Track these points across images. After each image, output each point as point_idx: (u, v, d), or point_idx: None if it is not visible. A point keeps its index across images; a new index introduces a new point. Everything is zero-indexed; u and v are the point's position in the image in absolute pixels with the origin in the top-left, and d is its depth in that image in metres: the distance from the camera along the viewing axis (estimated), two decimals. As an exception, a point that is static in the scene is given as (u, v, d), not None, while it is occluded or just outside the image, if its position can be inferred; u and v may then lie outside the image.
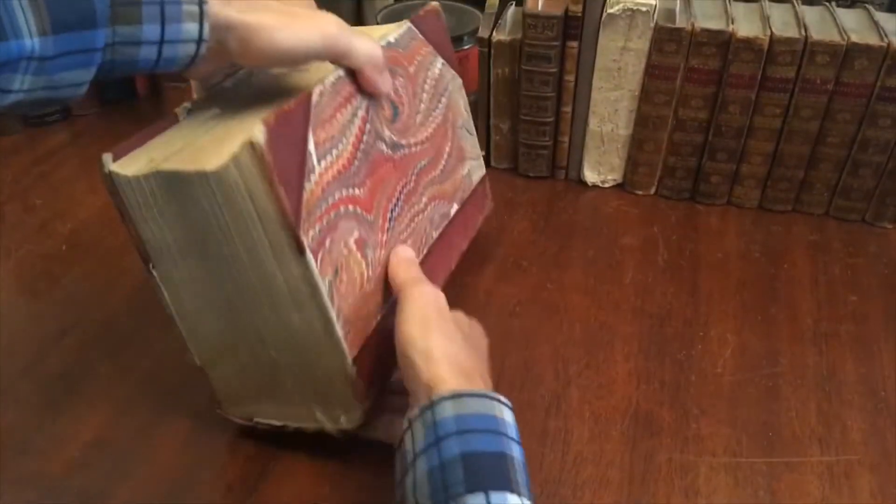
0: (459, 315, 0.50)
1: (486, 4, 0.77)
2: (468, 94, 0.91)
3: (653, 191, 0.77)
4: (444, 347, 0.44)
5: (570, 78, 0.72)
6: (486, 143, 0.80)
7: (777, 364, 0.57)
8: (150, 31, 0.39)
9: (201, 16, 0.40)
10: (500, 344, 0.59)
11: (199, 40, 0.41)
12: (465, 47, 0.88)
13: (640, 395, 0.55)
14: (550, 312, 0.62)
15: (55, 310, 0.63)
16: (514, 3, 0.80)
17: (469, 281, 0.65)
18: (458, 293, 0.64)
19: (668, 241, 0.70)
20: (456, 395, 0.41)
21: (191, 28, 0.40)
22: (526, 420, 0.52)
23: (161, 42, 0.40)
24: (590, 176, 0.78)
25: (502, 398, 0.42)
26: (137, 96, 0.94)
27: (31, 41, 0.35)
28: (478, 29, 0.88)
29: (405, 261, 0.50)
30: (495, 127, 0.78)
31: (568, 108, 0.74)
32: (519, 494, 0.38)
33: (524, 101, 0.74)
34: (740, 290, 0.65)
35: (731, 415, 0.53)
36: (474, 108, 0.78)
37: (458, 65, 0.88)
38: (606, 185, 0.78)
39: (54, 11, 0.36)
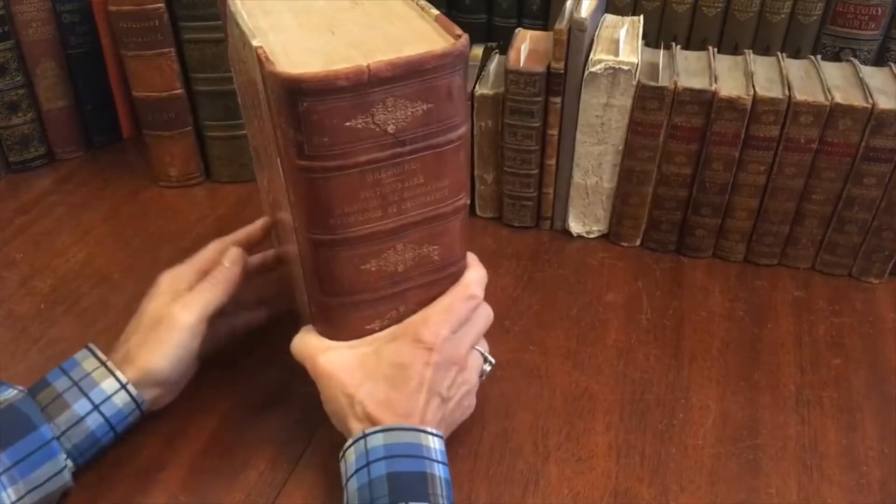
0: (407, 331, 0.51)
1: (469, 56, 0.76)
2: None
3: (638, 242, 0.76)
4: (370, 413, 0.48)
5: (554, 132, 0.72)
6: (471, 193, 0.79)
7: (758, 435, 0.57)
8: (82, 406, 0.50)
9: (111, 371, 0.52)
10: (480, 412, 0.58)
11: (123, 385, 0.52)
12: (451, 91, 0.87)
13: (619, 471, 0.54)
14: (531, 377, 0.62)
15: (31, 375, 0.62)
16: (497, 52, 0.79)
17: (450, 342, 0.65)
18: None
19: (653, 298, 0.70)
20: (387, 429, 0.47)
21: (110, 383, 0.51)
22: (503, 498, 0.52)
23: (96, 407, 0.51)
24: (575, 227, 0.77)
25: (431, 430, 0.48)
26: (123, 139, 0.94)
27: None
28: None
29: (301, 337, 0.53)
30: (480, 178, 0.78)
31: (552, 161, 0.74)
32: None
33: (508, 153, 0.74)
34: (724, 352, 0.64)
35: (710, 492, 0.53)
36: (459, 156, 0.78)
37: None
38: (591, 236, 0.77)
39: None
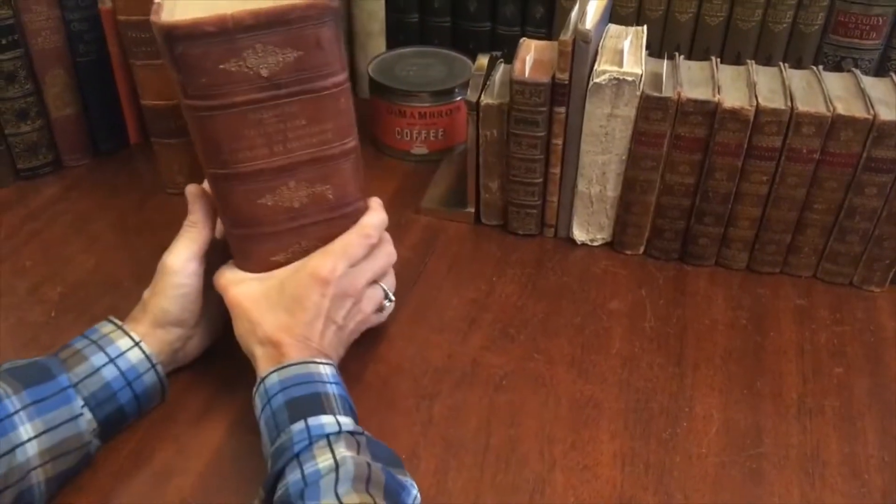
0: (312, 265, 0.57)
1: (475, 66, 0.77)
2: (457, 145, 0.92)
3: (641, 250, 0.77)
4: (271, 336, 0.55)
5: (558, 141, 0.73)
6: (476, 201, 0.80)
7: (761, 443, 0.58)
8: (98, 359, 0.55)
9: (125, 331, 0.57)
10: (486, 421, 0.59)
11: (137, 342, 0.57)
12: (456, 99, 0.88)
13: (624, 479, 0.55)
14: (537, 386, 0.62)
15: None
16: (502, 61, 0.80)
17: (456, 350, 0.66)
18: (445, 362, 0.64)
19: (656, 306, 0.71)
20: (279, 367, 0.53)
21: (124, 341, 0.56)
22: (509, 507, 0.53)
23: (112, 360, 0.55)
24: (579, 235, 0.78)
25: (320, 359, 0.54)
26: (129, 145, 0.94)
27: (10, 399, 0.50)
28: (469, 81, 0.89)
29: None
30: (485, 186, 0.78)
31: (556, 170, 0.74)
32: (334, 414, 0.50)
33: (513, 162, 0.75)
34: (727, 360, 0.65)
35: (714, 501, 0.54)
36: (464, 164, 0.79)
37: (449, 116, 0.89)
38: (595, 244, 0.78)
39: (21, 378, 0.52)
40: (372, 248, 0.60)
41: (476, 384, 0.63)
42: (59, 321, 0.69)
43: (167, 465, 0.56)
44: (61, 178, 0.89)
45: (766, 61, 0.84)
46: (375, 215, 0.60)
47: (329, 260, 0.57)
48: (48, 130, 0.87)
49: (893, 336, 0.68)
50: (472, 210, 0.81)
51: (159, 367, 0.57)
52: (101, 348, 0.55)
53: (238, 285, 0.57)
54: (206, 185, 0.61)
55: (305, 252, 0.58)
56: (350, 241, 0.58)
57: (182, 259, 0.58)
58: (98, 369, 0.54)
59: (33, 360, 0.54)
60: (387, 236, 0.62)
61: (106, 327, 0.57)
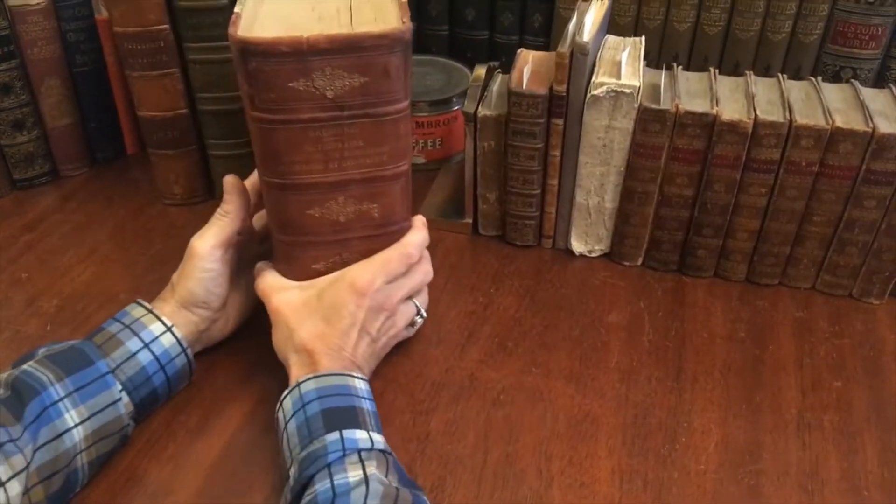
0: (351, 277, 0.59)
1: (472, 77, 0.77)
2: (455, 154, 0.92)
3: (640, 262, 0.76)
4: (306, 343, 0.56)
5: (556, 153, 0.72)
6: (473, 212, 0.80)
7: (760, 459, 0.57)
8: (133, 344, 0.57)
9: (157, 315, 0.58)
10: (484, 436, 0.59)
11: (169, 328, 0.58)
12: (454, 108, 0.88)
13: (622, 496, 0.55)
14: (535, 401, 0.62)
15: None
16: (500, 72, 0.80)
17: (453, 364, 0.65)
18: (442, 376, 0.64)
19: (655, 319, 0.70)
20: (317, 375, 0.54)
21: (157, 326, 0.58)
22: (506, 529, 0.53)
23: (146, 346, 0.57)
24: (577, 246, 0.78)
25: (356, 373, 0.55)
26: (126, 155, 0.94)
27: (54, 387, 0.52)
28: (467, 91, 0.89)
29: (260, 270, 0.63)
30: (482, 196, 0.78)
31: (554, 182, 0.74)
32: (368, 430, 0.51)
33: (511, 173, 0.74)
34: (725, 374, 0.65)
35: (712, 518, 0.53)
36: (462, 174, 0.79)
37: (446, 126, 0.89)
38: (593, 255, 0.78)
39: (62, 365, 0.53)
40: (411, 266, 0.61)
41: (473, 399, 0.62)
42: (56, 335, 0.68)
43: (162, 484, 0.56)
44: (58, 188, 0.89)
45: (765, 71, 0.84)
46: (418, 234, 0.62)
47: (368, 272, 0.58)
48: (44, 140, 0.87)
49: (893, 349, 0.67)
50: (470, 221, 0.80)
51: (189, 351, 0.59)
52: (135, 333, 0.57)
53: (280, 293, 0.59)
54: (249, 181, 0.64)
55: (345, 263, 0.60)
56: (390, 257, 0.59)
57: (209, 245, 0.59)
58: (134, 354, 0.56)
59: (70, 345, 0.56)
60: (426, 255, 0.64)
61: (137, 310, 0.59)
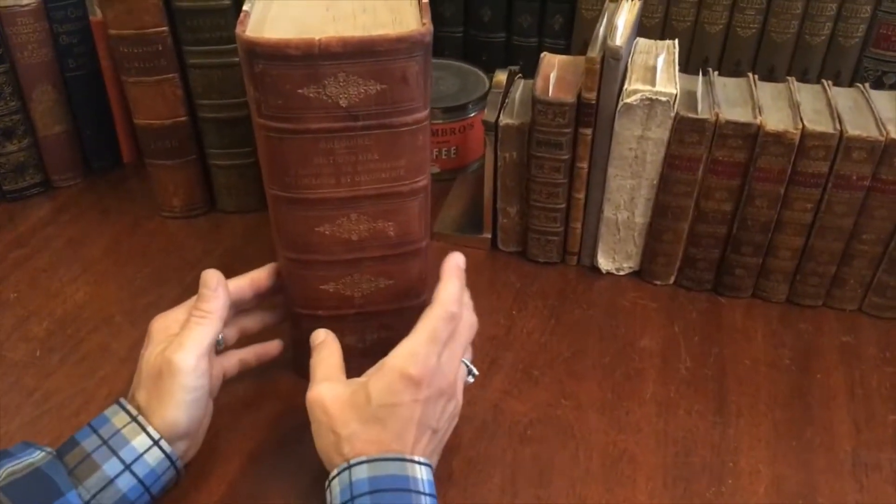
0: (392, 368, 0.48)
1: (493, 83, 0.72)
2: (471, 163, 0.87)
3: (671, 280, 0.71)
4: (359, 453, 0.46)
5: (584, 165, 0.67)
6: (492, 227, 0.75)
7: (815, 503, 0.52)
8: (111, 467, 0.47)
9: (142, 426, 0.48)
10: (511, 478, 0.54)
11: (156, 441, 0.48)
12: (470, 115, 0.83)
13: (666, 547, 0.50)
14: (566, 437, 0.57)
15: (24, 432, 0.58)
16: (521, 76, 0.75)
17: (475, 394, 0.60)
18: (464, 409, 0.59)
19: (691, 344, 0.65)
20: (372, 459, 0.46)
21: (141, 440, 0.48)
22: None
23: (128, 468, 0.47)
24: (604, 263, 0.73)
25: (417, 458, 0.47)
26: (123, 164, 0.89)
27: None
28: (484, 96, 0.84)
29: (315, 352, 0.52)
30: (502, 210, 0.73)
31: (581, 195, 0.69)
32: None
33: (534, 186, 0.69)
34: (771, 407, 0.60)
35: (767, 573, 0.48)
36: (480, 185, 0.74)
37: (462, 133, 0.84)
38: (622, 273, 0.73)
39: (22, 500, 0.44)
40: (456, 325, 0.51)
41: (498, 434, 0.57)
42: (45, 361, 0.63)
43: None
44: (50, 199, 0.84)
45: (802, 76, 0.79)
46: (452, 286, 0.51)
47: (419, 355, 0.47)
48: (36, 150, 0.82)
49: (950, 378, 0.62)
50: (489, 236, 0.75)
51: (180, 463, 0.50)
52: (114, 452, 0.47)
53: (320, 384, 0.49)
54: (234, 282, 0.56)
55: (356, 284, 0.56)
56: (435, 327, 0.48)
57: (194, 357, 0.49)
58: (112, 480, 0.47)
59: (34, 469, 0.45)
60: (467, 301, 0.54)
61: (118, 417, 0.48)
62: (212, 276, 0.53)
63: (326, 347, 0.52)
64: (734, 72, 0.78)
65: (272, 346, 0.59)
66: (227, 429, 0.57)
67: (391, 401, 0.47)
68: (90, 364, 0.63)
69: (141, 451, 0.48)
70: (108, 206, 0.83)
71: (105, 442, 0.48)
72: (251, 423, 0.58)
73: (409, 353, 0.48)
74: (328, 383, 0.49)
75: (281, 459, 0.56)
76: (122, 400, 0.50)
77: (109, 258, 0.75)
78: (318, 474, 0.54)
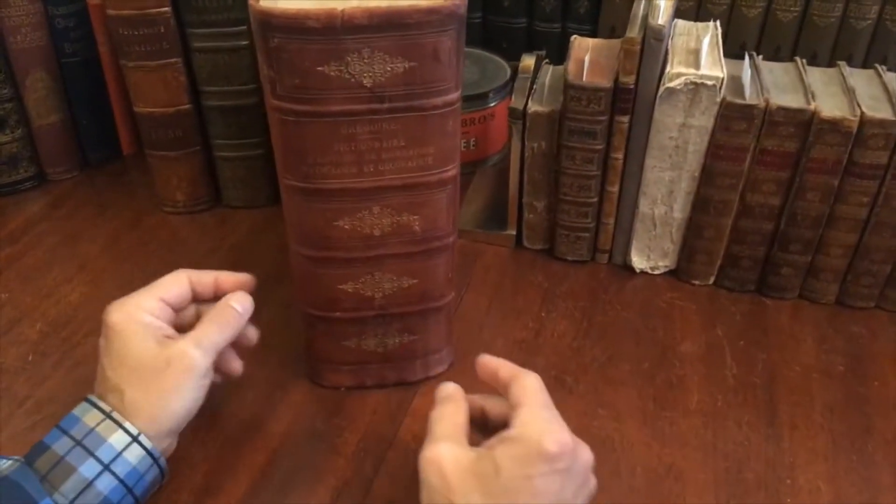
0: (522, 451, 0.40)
1: (520, 67, 0.67)
2: (492, 156, 0.82)
3: (711, 281, 0.67)
4: None
5: (619, 155, 0.63)
6: (517, 223, 0.70)
7: (884, 527, 0.48)
8: (88, 468, 0.42)
9: (117, 422, 0.44)
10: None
11: (135, 437, 0.44)
12: (491, 104, 0.78)
13: (724, 576, 0.45)
14: (606, 450, 0.52)
15: (16, 444, 0.53)
16: (549, 62, 0.70)
17: (505, 404, 0.55)
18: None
19: (736, 349, 0.60)
20: None
21: (118, 437, 0.43)
22: None
23: (106, 468, 0.43)
24: (637, 261, 0.68)
25: None
26: (123, 156, 0.84)
27: None
28: (506, 84, 0.79)
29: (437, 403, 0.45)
30: (528, 205, 0.68)
31: (614, 188, 0.64)
32: None
33: (564, 179, 0.65)
34: (828, 417, 0.55)
35: None
36: (503, 178, 0.69)
37: (482, 124, 0.79)
38: (656, 272, 0.68)
39: None
40: None
41: (532, 447, 0.52)
42: (38, 367, 0.59)
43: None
44: (45, 193, 0.79)
45: (847, 61, 0.73)
46: (532, 378, 0.45)
47: (557, 425, 0.42)
48: (30, 140, 0.77)
49: None
50: (514, 232, 0.71)
51: (162, 460, 0.45)
52: (90, 452, 0.43)
53: (438, 443, 0.42)
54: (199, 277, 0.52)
55: (377, 284, 0.51)
56: (548, 400, 0.44)
57: (212, 356, 0.47)
58: (91, 482, 0.42)
59: (2, 479, 0.41)
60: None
61: (90, 415, 0.44)
62: (246, 300, 0.50)
63: (453, 402, 0.45)
64: (773, 58, 0.73)
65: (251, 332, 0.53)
66: (236, 441, 0.53)
67: (523, 474, 0.39)
68: (85, 370, 0.58)
69: (120, 448, 0.43)
70: (107, 200, 0.78)
71: (78, 443, 0.43)
72: (262, 435, 0.53)
73: (548, 425, 0.41)
74: (449, 444, 0.42)
75: (295, 474, 0.51)
76: (91, 397, 0.45)
77: (107, 256, 0.71)
78: (336, 490, 0.49)
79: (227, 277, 0.52)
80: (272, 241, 0.72)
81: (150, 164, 0.73)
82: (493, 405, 0.46)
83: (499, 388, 0.45)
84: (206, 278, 0.51)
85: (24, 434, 0.53)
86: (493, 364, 0.46)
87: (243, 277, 0.52)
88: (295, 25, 0.41)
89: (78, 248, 0.71)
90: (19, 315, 0.63)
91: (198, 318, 0.50)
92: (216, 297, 0.51)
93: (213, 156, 0.73)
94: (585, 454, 0.42)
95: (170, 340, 0.47)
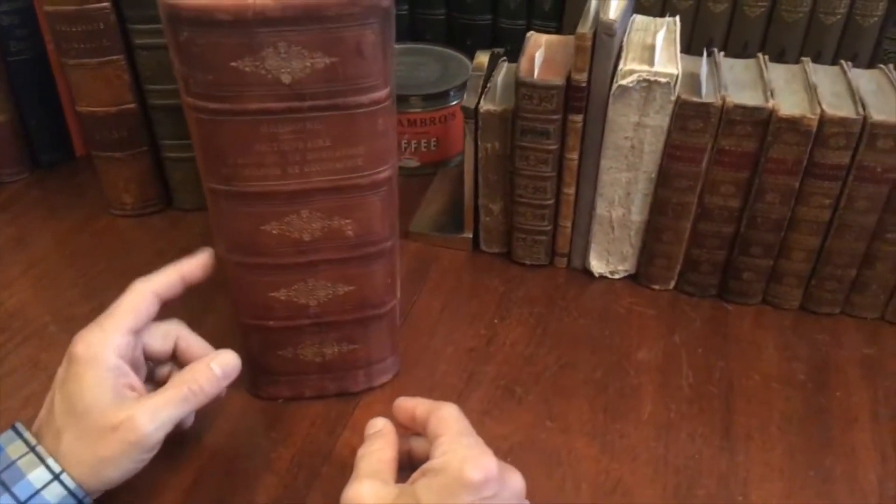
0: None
1: (474, 65, 0.65)
2: (454, 157, 0.80)
3: (671, 285, 0.64)
4: None
5: (574, 156, 0.60)
6: (474, 226, 0.67)
7: (839, 547, 0.45)
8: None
9: (40, 457, 0.41)
10: (488, 514, 0.47)
11: (56, 475, 0.41)
12: (452, 104, 0.76)
13: None
14: (551, 465, 0.50)
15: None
16: (505, 59, 0.68)
17: (450, 415, 0.53)
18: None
19: (693, 356, 0.58)
20: None
21: (38, 474, 0.41)
22: None
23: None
24: (596, 266, 0.65)
25: None
26: (75, 158, 0.82)
27: None
28: (466, 83, 0.77)
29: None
30: (484, 207, 0.66)
31: (571, 190, 0.62)
32: None
33: (519, 180, 0.62)
34: (785, 430, 0.52)
35: None
36: (461, 180, 0.67)
37: (443, 124, 0.77)
38: (616, 277, 0.66)
39: None
40: None
41: (475, 461, 0.50)
42: (-22, 371, 0.56)
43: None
44: (-7, 195, 0.76)
45: (816, 58, 0.71)
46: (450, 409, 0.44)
47: (479, 453, 0.40)
48: (-25, 141, 0.74)
49: None
50: (470, 235, 0.68)
51: (88, 500, 0.42)
52: (6, 487, 0.40)
53: (362, 481, 0.40)
54: (162, 278, 0.48)
55: (310, 291, 0.49)
56: (470, 428, 0.42)
57: (163, 432, 0.43)
58: None
59: None
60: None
61: (14, 446, 0.42)
62: (231, 360, 0.46)
63: (381, 438, 0.43)
64: (741, 55, 0.71)
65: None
66: (165, 457, 0.50)
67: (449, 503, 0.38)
68: (15, 381, 0.56)
69: (38, 486, 0.40)
70: (55, 202, 0.76)
71: None
72: (195, 449, 0.51)
73: (470, 454, 0.39)
74: (370, 482, 0.40)
75: (224, 493, 0.48)
76: (18, 425, 0.43)
77: (51, 260, 0.68)
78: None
79: (188, 266, 0.49)
80: (222, 244, 0.70)
81: (96, 165, 0.71)
82: (418, 445, 0.44)
83: (418, 429, 0.44)
84: (172, 278, 0.48)
85: (-55, 448, 0.51)
86: (409, 405, 0.44)
87: (203, 256, 0.49)
88: (204, 18, 0.38)
89: (21, 252, 0.69)
90: (-38, 317, 0.61)
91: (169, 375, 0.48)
92: (190, 288, 0.49)
93: (161, 157, 0.71)
94: (515, 480, 0.40)
95: (127, 397, 0.43)
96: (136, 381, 0.45)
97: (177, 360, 0.49)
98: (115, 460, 0.42)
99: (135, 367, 0.46)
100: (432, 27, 0.85)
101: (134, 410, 0.42)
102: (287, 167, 0.44)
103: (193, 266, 0.49)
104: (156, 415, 0.43)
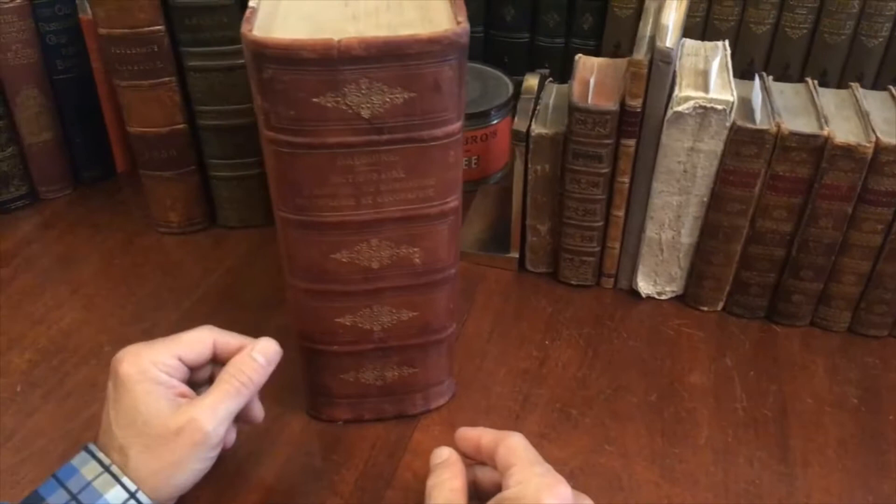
0: None
1: (524, 87, 0.65)
2: (492, 175, 0.80)
3: (720, 307, 0.65)
4: None
5: (625, 179, 0.61)
6: (520, 245, 0.68)
7: (903, 573, 0.46)
8: None
9: (115, 476, 0.42)
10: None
11: (132, 493, 0.42)
12: (493, 122, 0.77)
13: None
14: (612, 490, 0.50)
15: (2, 482, 0.51)
16: (552, 81, 0.68)
17: (509, 438, 0.53)
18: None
19: (746, 379, 0.59)
20: None
21: (115, 493, 0.42)
22: None
23: None
24: (644, 287, 0.66)
25: None
26: (116, 174, 0.82)
27: None
28: (508, 101, 0.78)
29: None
30: (532, 228, 0.66)
31: (620, 213, 0.63)
32: None
33: (569, 202, 0.63)
34: (841, 454, 0.53)
35: None
36: (505, 197, 0.67)
37: (484, 142, 0.77)
38: (663, 298, 0.66)
39: None
40: None
41: (536, 486, 0.50)
42: (27, 399, 0.57)
43: None
44: (37, 212, 0.77)
45: (858, 79, 0.72)
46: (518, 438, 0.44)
47: (552, 480, 0.40)
48: (21, 159, 0.75)
49: None
50: (516, 255, 0.69)
51: None
52: None
53: None
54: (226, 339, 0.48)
55: (375, 317, 0.50)
56: (538, 456, 0.43)
57: (224, 427, 0.44)
58: None
59: None
60: None
61: (88, 467, 0.43)
62: (272, 350, 0.47)
63: (449, 468, 0.44)
64: (782, 76, 0.71)
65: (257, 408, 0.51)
66: (229, 481, 0.51)
67: None
68: (76, 402, 0.56)
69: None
70: (100, 220, 0.76)
71: (74, 496, 0.41)
72: (258, 473, 0.52)
73: (537, 483, 0.40)
74: None
75: (291, 516, 0.49)
76: (91, 446, 0.43)
77: (100, 279, 0.69)
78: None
79: (258, 345, 0.48)
80: (269, 262, 0.70)
81: (144, 184, 0.72)
82: (483, 474, 0.45)
83: (484, 458, 0.44)
84: (233, 343, 0.48)
85: (11, 471, 0.52)
86: (472, 434, 0.45)
87: (271, 348, 0.48)
88: (290, 56, 0.39)
89: (70, 271, 0.70)
90: (9, 343, 0.62)
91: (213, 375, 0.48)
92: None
93: (207, 176, 0.72)
94: None
95: (183, 403, 0.44)
96: (186, 389, 0.46)
97: (217, 360, 0.48)
98: (183, 463, 0.43)
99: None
100: (471, 45, 0.85)
101: (194, 412, 0.43)
102: (361, 198, 0.44)
103: (260, 347, 0.48)
104: (215, 412, 0.44)
